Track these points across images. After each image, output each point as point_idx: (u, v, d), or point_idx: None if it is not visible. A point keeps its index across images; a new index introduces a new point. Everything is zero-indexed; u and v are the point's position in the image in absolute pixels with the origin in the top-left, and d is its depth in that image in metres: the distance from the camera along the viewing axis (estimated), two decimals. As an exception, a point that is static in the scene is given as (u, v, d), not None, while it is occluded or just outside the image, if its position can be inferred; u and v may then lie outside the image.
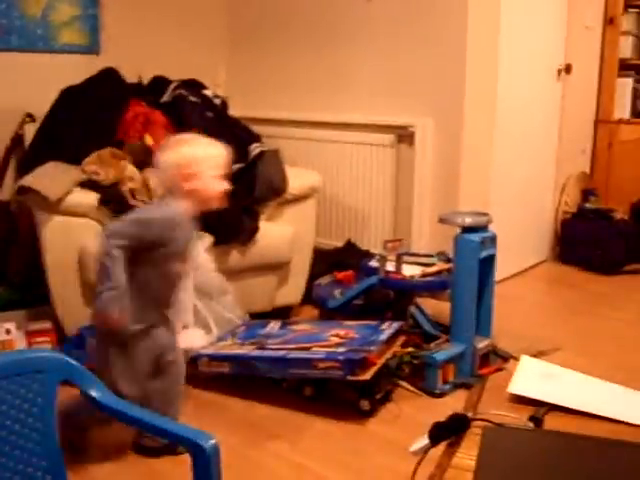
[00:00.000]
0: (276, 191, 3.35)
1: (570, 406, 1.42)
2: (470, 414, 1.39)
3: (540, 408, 1.42)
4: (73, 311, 3.07)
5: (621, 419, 1.39)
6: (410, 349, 2.87)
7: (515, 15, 3.90)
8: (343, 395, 2.67)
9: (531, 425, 1.35)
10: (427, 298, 3.23)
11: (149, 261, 2.21)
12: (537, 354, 3.08)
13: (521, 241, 4.34)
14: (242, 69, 4.61)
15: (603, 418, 1.40)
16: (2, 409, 1.44)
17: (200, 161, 2.25)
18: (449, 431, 1.35)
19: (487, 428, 1.30)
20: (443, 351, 2.80)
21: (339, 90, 4.11)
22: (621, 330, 3.51)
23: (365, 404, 2.62)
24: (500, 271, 3.73)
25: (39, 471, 1.50)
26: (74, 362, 1.55)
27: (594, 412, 1.40)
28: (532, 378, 1.53)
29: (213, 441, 1.43)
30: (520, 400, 1.47)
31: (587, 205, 4.80)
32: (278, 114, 4.24)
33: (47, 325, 3.11)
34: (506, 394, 1.50)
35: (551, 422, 1.40)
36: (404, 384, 2.84)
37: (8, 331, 2.99)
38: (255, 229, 3.24)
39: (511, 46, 3.90)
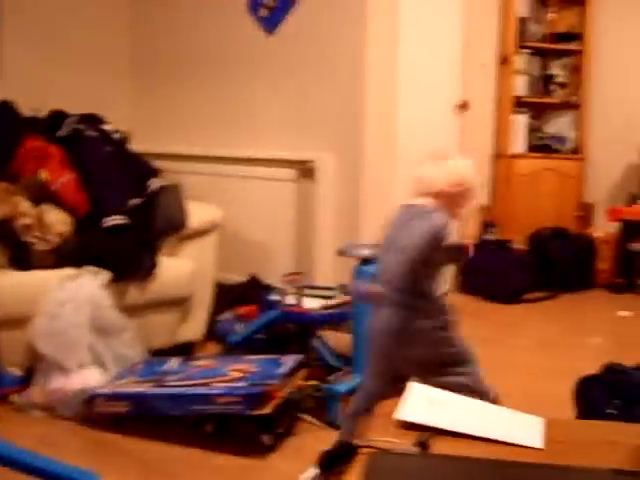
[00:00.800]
0: (176, 226, 3.31)
1: (456, 430, 1.44)
2: (357, 442, 1.39)
3: (426, 433, 1.43)
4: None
5: (507, 441, 1.41)
6: (312, 382, 2.87)
7: (412, 53, 4.02)
8: (244, 430, 2.63)
9: (416, 450, 1.36)
10: (330, 331, 3.24)
11: None
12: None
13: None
14: (145, 104, 4.57)
15: (489, 440, 1.42)
16: None
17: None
18: (337, 459, 1.35)
19: (371, 454, 1.30)
20: (344, 383, 2.80)
21: (242, 125, 4.12)
22: (521, 357, 3.60)
23: (266, 439, 2.59)
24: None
25: None
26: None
27: (480, 435, 1.42)
28: (420, 404, 1.55)
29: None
30: (409, 426, 1.48)
31: (487, 236, 4.93)
32: (181, 149, 4.22)
33: None
34: (395, 421, 1.51)
35: (438, 447, 1.42)
36: (307, 417, 2.82)
37: None
38: (154, 264, 3.19)
39: (409, 82, 4.01)
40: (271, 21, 4.02)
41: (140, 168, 3.57)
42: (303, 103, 3.90)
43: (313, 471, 1.33)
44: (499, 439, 1.44)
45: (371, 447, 1.35)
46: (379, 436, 1.42)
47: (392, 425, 1.51)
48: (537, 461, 1.33)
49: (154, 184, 3.42)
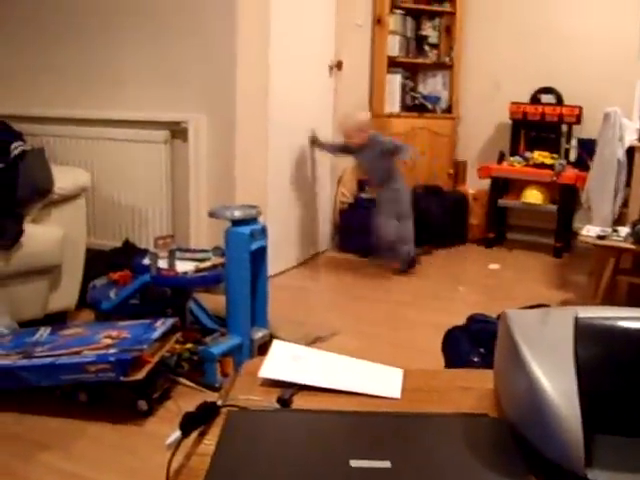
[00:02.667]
0: (41, 192, 3.19)
1: (317, 385, 1.47)
2: (220, 402, 1.39)
3: (287, 389, 1.45)
4: None
5: (366, 392, 1.45)
6: (189, 345, 2.86)
7: (285, 12, 4.00)
8: (119, 397, 2.60)
9: (277, 406, 1.38)
10: (207, 293, 3.23)
11: None
12: (315, 340, 3.18)
13: (301, 232, 4.45)
14: (5, 66, 4.35)
15: (350, 393, 1.45)
16: None
17: None
18: (199, 420, 1.35)
19: (230, 412, 1.31)
20: (220, 344, 2.80)
21: (109, 86, 4.00)
22: (397, 312, 3.71)
23: (142, 404, 2.57)
24: (280, 262, 3.82)
25: None
26: None
27: (340, 388, 1.46)
28: (282, 361, 1.57)
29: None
30: (273, 384, 1.49)
31: (363, 195, 5.01)
32: (45, 111, 4.04)
33: None
34: (259, 379, 1.52)
35: (299, 402, 1.44)
36: (184, 380, 2.81)
37: None
38: (19, 232, 3.07)
39: (282, 42, 3.98)
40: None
41: (1, 132, 3.41)
42: (174, 63, 3.81)
43: (174, 434, 1.33)
44: (359, 391, 1.47)
45: (233, 406, 1.36)
46: (242, 395, 1.43)
47: (256, 384, 1.53)
48: (394, 410, 1.37)
49: (16, 149, 3.27)
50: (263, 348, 2.95)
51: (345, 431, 1.27)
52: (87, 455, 2.34)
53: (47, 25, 4.17)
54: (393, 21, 5.39)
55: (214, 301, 3.22)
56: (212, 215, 2.90)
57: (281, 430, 1.27)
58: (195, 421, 1.36)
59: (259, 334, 2.92)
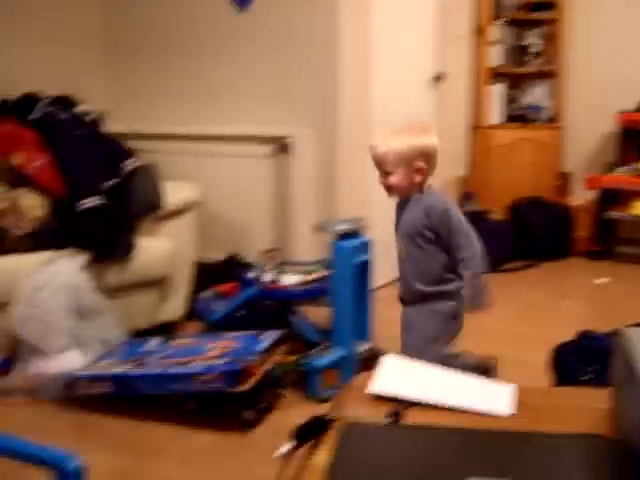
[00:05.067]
0: (152, 206, 3.31)
1: (427, 401, 1.46)
2: (331, 415, 1.41)
3: (398, 405, 1.45)
4: None
5: (478, 409, 1.44)
6: (293, 357, 2.89)
7: (386, 25, 4.01)
8: (226, 407, 2.65)
9: (388, 421, 1.39)
10: (310, 306, 3.26)
11: None
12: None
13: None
14: (118, 84, 4.54)
15: (460, 410, 1.44)
16: None
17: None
18: (311, 433, 1.37)
19: (343, 426, 1.32)
20: (324, 357, 2.83)
21: (217, 102, 4.11)
22: (500, 326, 3.64)
23: (248, 415, 2.62)
24: (384, 275, 3.82)
25: None
26: None
27: (451, 405, 1.45)
28: (392, 376, 1.57)
29: (78, 461, 1.40)
30: (382, 399, 1.50)
31: (466, 207, 4.95)
32: (157, 129, 4.19)
33: None
34: (368, 394, 1.53)
35: (409, 418, 1.44)
36: (288, 392, 2.85)
37: None
38: (132, 245, 3.19)
39: (383, 55, 4.00)
40: (243, -3, 3.99)
41: (114, 149, 3.55)
42: (277, 79, 3.89)
43: (288, 445, 1.35)
44: (470, 408, 1.46)
45: (343, 420, 1.37)
46: (352, 409, 1.44)
47: (366, 398, 1.54)
48: (507, 428, 1.35)
49: (129, 165, 3.41)
50: (367, 361, 2.95)
51: (459, 448, 1.26)
52: (194, 463, 2.40)
53: (158, 45, 4.33)
54: (494, 31, 5.33)
55: (317, 314, 3.25)
56: (317, 229, 2.94)
57: (394, 446, 1.28)
58: (307, 433, 1.38)
59: (363, 347, 2.93)
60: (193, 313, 3.44)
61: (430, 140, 2.41)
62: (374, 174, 3.99)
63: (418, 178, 2.40)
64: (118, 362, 2.80)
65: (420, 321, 2.51)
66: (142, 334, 3.19)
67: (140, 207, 3.28)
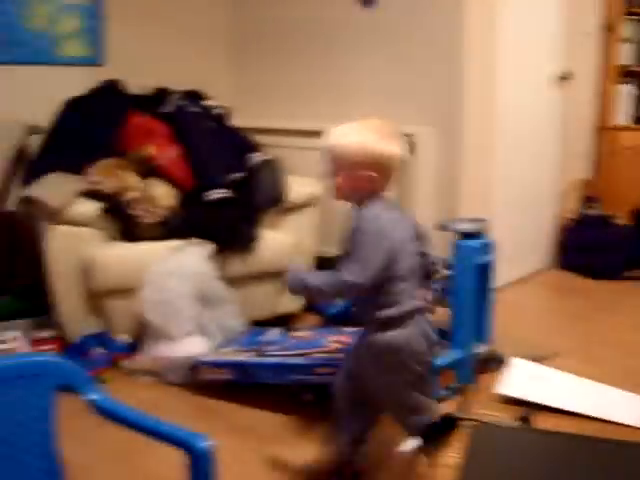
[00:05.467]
0: (275, 199, 3.38)
1: (558, 406, 1.45)
2: (459, 414, 1.41)
3: (529, 408, 1.44)
4: (76, 319, 3.11)
5: (607, 418, 1.41)
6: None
7: (512, 22, 3.94)
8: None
9: (519, 424, 1.38)
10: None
11: None
12: (538, 359, 3.09)
13: (522, 247, 4.36)
14: (245, 78, 4.65)
15: (591, 418, 1.42)
16: (3, 411, 1.48)
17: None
18: (439, 431, 1.38)
19: (476, 427, 1.32)
20: (442, 357, 2.81)
21: (340, 99, 4.15)
22: (621, 335, 3.52)
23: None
24: (501, 277, 3.76)
25: (39, 472, 1.53)
26: (72, 366, 1.58)
27: (582, 412, 1.42)
28: (522, 380, 1.56)
29: (208, 442, 1.45)
30: (510, 401, 1.49)
31: (589, 211, 4.81)
32: (280, 124, 4.27)
33: (52, 333, 3.15)
34: (496, 395, 1.52)
35: (540, 422, 1.42)
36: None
37: (14, 339, 3.03)
38: (255, 237, 3.27)
39: (509, 52, 3.93)
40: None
41: (241, 143, 3.65)
42: (401, 76, 3.88)
43: (413, 442, 1.36)
44: (602, 417, 1.43)
45: (472, 420, 1.37)
46: (481, 409, 1.44)
47: (493, 399, 1.53)
48: (636, 439, 1.32)
49: (254, 158, 3.49)
50: (485, 364, 2.92)
51: (591, 457, 1.24)
52: (310, 452, 2.45)
53: (284, 43, 4.42)
54: (625, 28, 5.13)
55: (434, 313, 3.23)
56: (441, 228, 2.92)
57: (526, 449, 1.27)
58: (434, 432, 1.39)
59: (482, 349, 2.90)
60: (310, 306, 3.50)
61: (391, 149, 2.00)
62: (498, 174, 3.97)
63: (367, 187, 2.00)
64: (239, 350, 2.88)
65: None
66: (261, 324, 3.27)
67: (264, 200, 3.36)
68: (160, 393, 2.88)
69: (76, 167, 3.21)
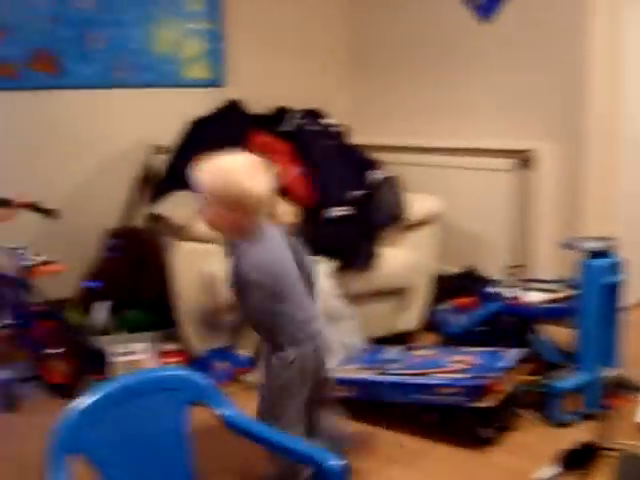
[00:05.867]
0: (395, 217, 3.37)
1: None
2: (600, 443, 1.36)
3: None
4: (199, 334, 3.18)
5: None
6: (533, 377, 2.81)
7: (639, 33, 3.79)
8: (462, 422, 2.63)
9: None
10: (550, 325, 3.15)
11: None
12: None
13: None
14: (363, 96, 4.68)
15: None
16: (141, 422, 1.53)
17: None
18: (579, 459, 1.33)
19: (623, 457, 1.27)
20: (566, 380, 2.72)
21: (458, 115, 4.10)
22: None
23: (485, 432, 2.59)
24: (630, 297, 3.60)
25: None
26: (204, 381, 1.62)
27: None
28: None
29: (344, 462, 1.46)
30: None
31: None
32: (399, 141, 4.26)
33: (177, 346, 3.24)
34: (634, 424, 1.46)
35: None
36: (526, 413, 2.77)
37: (140, 351, 3.14)
38: (375, 255, 3.27)
39: (636, 65, 3.78)
40: (487, 8, 3.95)
41: (360, 160, 3.67)
42: (521, 90, 3.80)
43: (550, 469, 1.32)
44: None
45: (616, 450, 1.32)
46: (623, 439, 1.38)
47: (633, 429, 1.47)
48: None
49: (374, 176, 3.50)
50: (614, 388, 2.80)
51: None
52: (433, 475, 2.41)
53: (402, 60, 4.42)
54: None
55: (559, 334, 3.13)
56: (567, 246, 2.84)
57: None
58: (577, 459, 1.34)
59: (611, 373, 2.78)
60: (430, 325, 3.46)
61: (255, 187, 1.97)
62: (623, 191, 3.81)
63: (237, 224, 1.98)
64: (361, 368, 2.87)
65: None
66: (379, 342, 3.25)
67: (384, 217, 3.35)
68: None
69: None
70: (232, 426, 1.62)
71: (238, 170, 1.97)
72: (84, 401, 1.44)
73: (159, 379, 1.59)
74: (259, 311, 2.01)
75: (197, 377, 1.63)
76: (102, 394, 1.47)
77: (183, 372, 1.65)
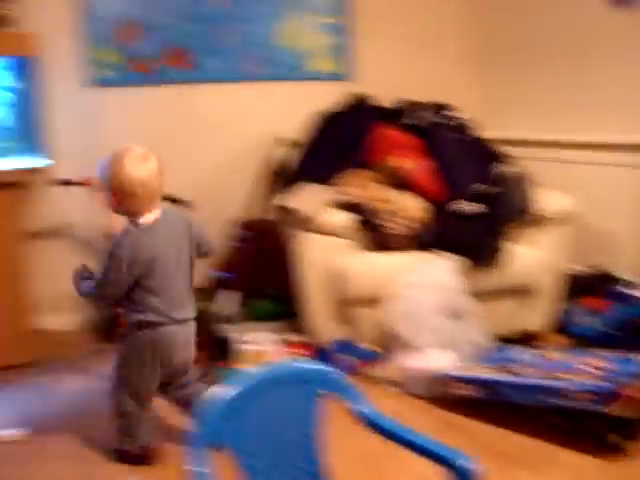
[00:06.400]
0: (523, 213, 3.30)
1: None
2: None
3: None
4: (325, 325, 3.23)
5: None
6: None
7: None
8: (590, 427, 2.54)
9: None
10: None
11: None
12: None
13: None
14: (490, 90, 4.58)
15: None
16: (276, 415, 1.56)
17: None
18: None
19: None
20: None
21: (592, 108, 3.94)
22: None
23: (615, 439, 2.49)
24: None
25: (308, 476, 1.60)
26: (342, 377, 1.64)
27: None
28: None
29: (475, 464, 1.45)
30: None
31: None
32: (528, 135, 4.15)
33: (302, 337, 3.30)
34: None
35: None
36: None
37: (266, 341, 3.20)
38: (500, 251, 3.21)
39: None
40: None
41: (487, 154, 3.61)
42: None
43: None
44: None
45: None
46: None
47: None
48: None
49: (501, 170, 3.43)
50: None
51: None
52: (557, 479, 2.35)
53: (531, 53, 4.29)
54: None
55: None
56: None
57: None
58: None
59: None
60: (557, 325, 3.37)
61: (134, 175, 2.26)
62: None
63: (125, 207, 2.32)
64: (486, 367, 2.83)
65: None
66: (503, 341, 3.20)
67: (511, 213, 3.29)
68: (403, 404, 2.88)
69: (328, 178, 3.35)
70: (368, 423, 1.63)
71: (124, 161, 2.28)
72: (225, 392, 1.48)
73: (298, 372, 1.62)
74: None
75: (336, 373, 1.65)
76: (242, 385, 1.51)
77: (322, 367, 1.67)
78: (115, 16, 3.82)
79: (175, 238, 2.38)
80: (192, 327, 2.45)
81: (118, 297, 2.34)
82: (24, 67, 3.51)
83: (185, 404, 2.50)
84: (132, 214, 2.31)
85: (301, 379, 1.62)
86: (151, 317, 2.34)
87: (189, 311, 2.43)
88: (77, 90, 3.83)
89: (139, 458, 2.50)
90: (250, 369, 1.61)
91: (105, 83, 3.87)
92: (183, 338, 2.41)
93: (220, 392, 1.47)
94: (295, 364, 1.72)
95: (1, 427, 2.77)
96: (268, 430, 1.55)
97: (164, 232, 2.35)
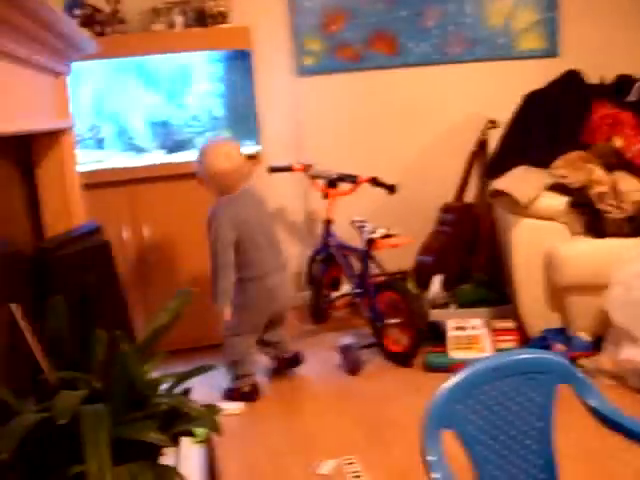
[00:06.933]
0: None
1: None
2: None
3: None
4: (536, 312, 3.13)
5: None
6: None
7: None
8: None
9: None
10: None
11: None
12: None
13: None
14: None
15: None
16: (505, 404, 1.53)
17: None
18: None
19: None
20: None
21: None
22: None
23: None
24: None
25: (535, 468, 1.55)
26: (574, 368, 1.58)
27: None
28: None
29: None
30: None
31: None
32: None
33: (511, 324, 3.21)
34: None
35: None
36: None
37: (475, 327, 3.14)
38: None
39: None
40: None
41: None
42: None
43: None
44: None
45: None
46: None
47: None
48: None
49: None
50: None
51: None
52: None
53: None
54: None
55: None
56: None
57: None
58: None
59: None
60: None
61: (220, 167, 2.88)
62: None
63: (216, 189, 2.97)
64: None
65: None
66: None
67: None
68: (620, 397, 2.71)
69: (542, 160, 3.23)
70: (601, 418, 1.55)
71: (213, 153, 2.90)
72: (456, 377, 1.46)
73: (529, 362, 1.57)
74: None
75: (567, 364, 1.58)
76: (472, 372, 1.49)
77: (553, 357, 1.61)
78: (322, 5, 3.89)
79: (256, 206, 2.97)
80: (285, 278, 3.06)
81: (229, 260, 2.84)
82: (237, 59, 3.66)
83: (274, 349, 3.12)
84: (223, 193, 2.93)
85: (533, 370, 1.57)
86: (253, 272, 2.89)
87: (280, 265, 2.99)
88: (285, 79, 3.95)
89: (249, 395, 2.96)
90: (483, 357, 1.58)
91: (310, 71, 3.95)
92: (279, 287, 2.96)
93: (450, 378, 1.46)
94: (525, 354, 1.67)
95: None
96: (498, 420, 1.52)
97: (248, 202, 2.94)
